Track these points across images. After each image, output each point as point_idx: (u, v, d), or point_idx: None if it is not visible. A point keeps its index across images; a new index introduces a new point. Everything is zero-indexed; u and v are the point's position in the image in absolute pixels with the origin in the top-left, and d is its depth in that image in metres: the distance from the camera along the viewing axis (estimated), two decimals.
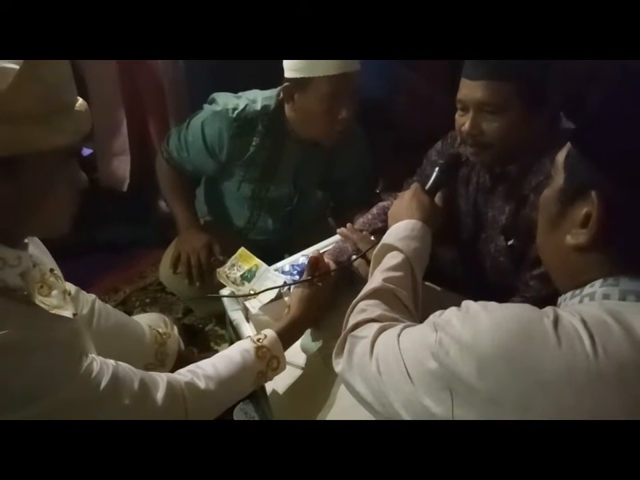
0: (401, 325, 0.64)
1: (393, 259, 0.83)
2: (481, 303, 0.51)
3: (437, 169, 1.02)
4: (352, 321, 0.74)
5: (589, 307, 0.48)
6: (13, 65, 0.60)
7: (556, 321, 0.45)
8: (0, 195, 0.64)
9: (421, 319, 0.68)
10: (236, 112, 1.26)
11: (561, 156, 0.56)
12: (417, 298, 0.82)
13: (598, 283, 0.50)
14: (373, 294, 0.77)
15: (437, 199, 1.00)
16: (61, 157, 0.66)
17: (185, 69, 1.76)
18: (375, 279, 0.81)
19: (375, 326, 0.68)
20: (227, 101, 1.29)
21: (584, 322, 0.45)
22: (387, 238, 0.89)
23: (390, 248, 0.86)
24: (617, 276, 0.49)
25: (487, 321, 0.48)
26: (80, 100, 0.69)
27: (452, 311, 0.53)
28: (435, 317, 0.55)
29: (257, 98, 1.29)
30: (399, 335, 0.61)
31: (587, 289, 0.51)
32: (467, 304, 0.52)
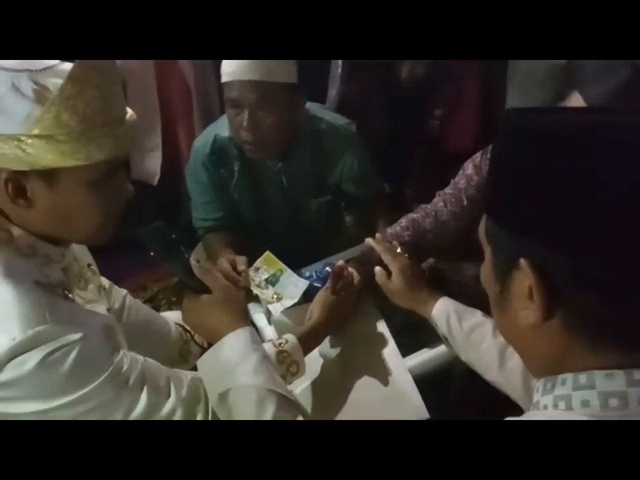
0: None
1: None
2: None
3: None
4: None
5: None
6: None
7: None
8: (43, 204, 0.66)
9: None
10: (208, 145, 1.30)
11: (481, 229, 0.50)
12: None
13: (569, 379, 0.44)
14: None
15: None
16: (105, 168, 0.68)
17: (212, 71, 1.82)
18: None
19: None
20: (198, 142, 1.34)
21: None
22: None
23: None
24: (590, 370, 0.42)
25: None
26: (129, 112, 0.70)
27: None
28: None
29: (226, 124, 1.28)
30: None
31: (559, 387, 0.44)
32: None
